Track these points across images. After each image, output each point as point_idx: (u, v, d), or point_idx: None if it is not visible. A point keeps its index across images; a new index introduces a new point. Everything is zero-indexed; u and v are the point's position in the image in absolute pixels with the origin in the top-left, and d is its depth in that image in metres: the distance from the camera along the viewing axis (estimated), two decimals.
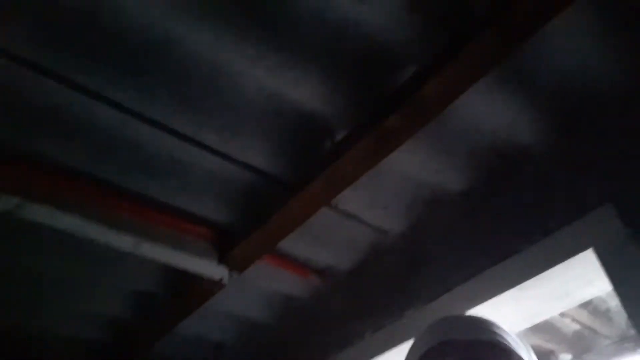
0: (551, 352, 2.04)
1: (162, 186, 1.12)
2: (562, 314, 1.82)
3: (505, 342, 0.64)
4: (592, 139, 0.99)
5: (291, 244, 1.34)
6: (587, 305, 1.78)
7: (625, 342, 1.96)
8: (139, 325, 1.58)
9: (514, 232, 1.02)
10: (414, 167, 1.13)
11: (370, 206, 1.23)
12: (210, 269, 1.23)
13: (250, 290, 1.50)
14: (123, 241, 1.11)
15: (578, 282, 0.94)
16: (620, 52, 0.91)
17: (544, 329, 1.86)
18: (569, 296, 0.98)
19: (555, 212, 0.96)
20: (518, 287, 0.96)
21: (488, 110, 1.02)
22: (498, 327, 0.68)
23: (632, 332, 1.95)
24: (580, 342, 1.98)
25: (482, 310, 0.99)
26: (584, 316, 1.84)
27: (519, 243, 0.99)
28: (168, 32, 0.83)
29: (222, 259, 1.24)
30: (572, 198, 0.95)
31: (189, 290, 1.36)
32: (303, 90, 0.96)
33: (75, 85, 0.90)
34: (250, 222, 1.19)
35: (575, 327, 1.91)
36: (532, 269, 0.94)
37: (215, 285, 1.29)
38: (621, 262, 0.82)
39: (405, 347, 0.75)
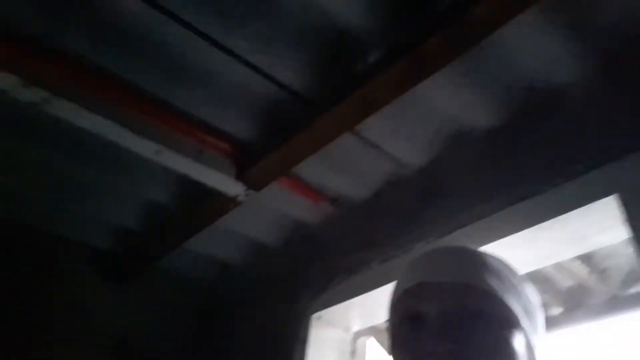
0: (543, 305, 2.11)
1: (188, 94, 1.10)
2: (560, 268, 1.86)
3: (495, 289, 0.54)
4: (632, 85, 0.95)
5: (307, 168, 1.34)
6: (587, 259, 1.82)
7: (616, 302, 2.02)
8: (148, 237, 1.61)
9: (538, 173, 1.01)
10: (443, 99, 1.11)
11: (392, 136, 1.22)
12: (227, 184, 1.24)
13: (262, 212, 1.52)
14: (144, 147, 1.11)
15: (595, 228, 0.94)
16: None
17: (539, 280, 1.91)
18: (584, 241, 0.99)
19: (584, 156, 0.95)
20: (534, 228, 0.96)
21: (529, 45, 0.98)
22: (492, 267, 0.57)
23: (624, 292, 2.00)
24: (572, 297, 2.04)
25: (494, 249, 1.00)
26: (582, 271, 1.89)
27: (541, 184, 0.99)
28: None
29: (239, 176, 1.24)
30: (603, 144, 0.93)
31: (203, 206, 1.38)
32: (343, 3, 0.92)
33: None
34: (272, 141, 1.19)
35: (570, 282, 1.96)
36: (551, 211, 0.94)
37: (230, 202, 1.31)
38: None
39: None
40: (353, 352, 1.38)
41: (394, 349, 0.58)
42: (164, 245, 1.58)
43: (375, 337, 1.46)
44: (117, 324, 1.65)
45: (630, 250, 0.78)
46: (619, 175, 0.87)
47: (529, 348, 0.55)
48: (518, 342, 0.53)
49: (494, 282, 0.55)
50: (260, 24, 0.95)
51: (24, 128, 1.14)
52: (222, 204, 1.33)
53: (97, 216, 1.54)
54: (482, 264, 0.57)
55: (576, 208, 0.90)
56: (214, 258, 1.77)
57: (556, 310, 2.15)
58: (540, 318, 0.60)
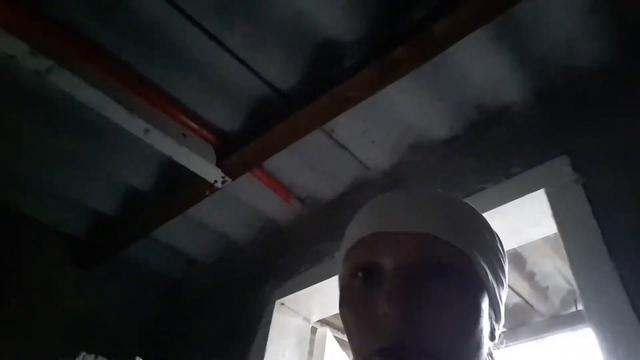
0: None
1: (179, 80, 1.22)
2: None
3: (460, 242, 0.47)
4: (561, 106, 1.14)
5: (282, 165, 1.46)
6: (530, 277, 1.99)
7: (557, 321, 2.18)
8: (120, 223, 1.66)
9: (483, 174, 1.17)
10: (406, 108, 1.27)
11: (360, 139, 1.36)
12: (206, 170, 1.34)
13: (234, 206, 1.62)
14: (135, 125, 1.20)
15: (528, 220, 1.10)
16: (603, 30, 1.05)
17: None
18: (519, 233, 1.14)
19: (520, 160, 1.12)
20: None
21: (480, 66, 1.16)
22: (457, 215, 0.50)
23: (564, 312, 2.17)
24: (517, 315, 2.20)
25: None
26: (525, 289, 2.05)
27: (485, 182, 1.15)
28: None
29: (219, 163, 1.35)
30: (535, 151, 1.11)
31: (179, 192, 1.47)
32: (328, 13, 1.07)
33: None
34: (251, 132, 1.31)
35: (516, 299, 2.11)
36: (492, 203, 1.09)
37: (207, 188, 1.40)
38: (566, 200, 0.98)
39: None
40: (312, 341, 1.47)
41: (342, 308, 0.50)
42: (134, 232, 1.63)
43: (331, 329, 1.55)
44: (81, 307, 1.68)
45: (569, 270, 0.90)
46: (545, 175, 1.04)
47: (496, 307, 0.50)
48: (484, 302, 0.47)
49: (458, 234, 0.48)
50: (255, 23, 1.10)
51: (23, 97, 1.22)
52: (198, 190, 1.42)
53: (75, 198, 1.58)
54: (446, 211, 0.50)
55: (513, 200, 1.06)
56: (182, 252, 1.83)
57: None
58: (505, 267, 0.54)
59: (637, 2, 1.01)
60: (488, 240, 0.51)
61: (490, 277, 0.49)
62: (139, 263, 1.85)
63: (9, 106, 1.26)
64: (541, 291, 2.09)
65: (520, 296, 2.10)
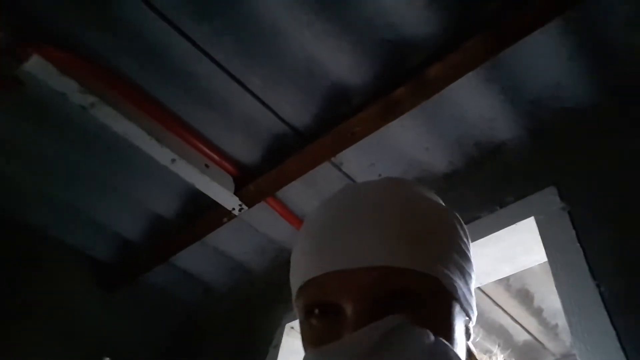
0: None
1: (206, 117, 1.37)
2: (515, 320, 2.04)
3: (423, 263, 0.44)
4: (550, 142, 1.25)
5: (294, 196, 1.57)
6: (538, 314, 2.01)
7: None
8: (143, 249, 1.78)
9: (480, 204, 1.26)
10: (409, 143, 1.38)
11: (367, 171, 1.47)
12: (225, 197, 1.46)
13: (249, 234, 1.73)
14: (163, 154, 1.34)
15: (521, 247, 1.18)
16: (586, 74, 1.17)
17: (499, 331, 2.08)
18: (513, 260, 1.22)
19: (513, 191, 1.21)
20: (476, 243, 1.19)
21: (475, 106, 1.28)
22: (419, 227, 0.46)
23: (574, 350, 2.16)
24: (528, 354, 2.19)
25: None
26: (534, 326, 2.06)
27: (481, 211, 1.24)
28: None
29: (236, 193, 1.47)
30: (526, 183, 1.20)
31: (199, 218, 1.59)
32: (337, 59, 1.22)
33: (163, 16, 1.16)
34: (267, 164, 1.44)
35: (526, 336, 2.12)
36: (487, 230, 1.18)
37: (225, 215, 1.52)
38: (553, 226, 1.06)
39: None
40: None
41: (302, 340, 0.48)
42: (155, 257, 1.74)
43: None
44: (101, 329, 1.77)
45: None
46: (535, 204, 1.13)
47: (467, 307, 0.48)
48: (457, 317, 0.46)
49: (421, 255, 0.44)
50: (273, 67, 1.25)
51: (66, 128, 1.38)
52: (217, 218, 1.54)
53: (103, 223, 1.71)
54: (403, 226, 0.45)
55: (506, 227, 1.15)
56: (199, 280, 1.93)
57: None
58: (469, 252, 0.52)
59: (614, 50, 1.13)
60: (450, 239, 0.48)
61: (460, 286, 0.47)
62: (158, 288, 1.95)
63: (53, 135, 1.41)
64: (550, 329, 2.10)
65: (530, 333, 2.11)
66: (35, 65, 1.15)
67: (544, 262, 1.16)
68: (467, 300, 0.49)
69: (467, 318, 0.50)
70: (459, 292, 0.47)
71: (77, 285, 1.81)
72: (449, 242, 0.48)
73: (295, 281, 0.49)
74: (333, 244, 0.46)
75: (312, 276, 0.45)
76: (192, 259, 1.82)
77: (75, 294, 1.79)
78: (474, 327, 0.53)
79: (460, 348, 0.45)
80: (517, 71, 1.20)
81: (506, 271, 1.26)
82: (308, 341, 0.47)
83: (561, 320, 2.10)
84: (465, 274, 0.49)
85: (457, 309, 0.46)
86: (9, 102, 1.34)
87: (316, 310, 0.45)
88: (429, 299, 0.44)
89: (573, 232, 1.02)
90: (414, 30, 1.15)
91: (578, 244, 0.99)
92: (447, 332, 0.44)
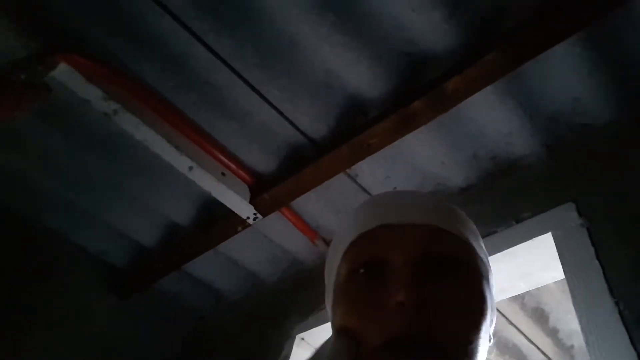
0: None
1: (224, 126, 1.39)
2: (529, 340, 2.00)
3: (466, 236, 0.50)
4: (569, 158, 1.24)
5: (309, 207, 1.58)
6: (553, 334, 1.97)
7: None
8: (157, 256, 1.79)
9: (495, 218, 1.25)
10: (425, 156, 1.38)
11: (383, 184, 1.47)
12: (241, 206, 1.47)
13: (263, 244, 1.73)
14: (181, 162, 1.36)
15: (537, 264, 1.16)
16: (605, 90, 1.16)
17: (512, 351, 2.03)
18: (529, 277, 1.20)
19: (530, 206, 1.20)
20: (491, 258, 1.17)
21: (492, 120, 1.28)
22: (459, 213, 0.53)
23: None
24: None
25: None
26: (549, 347, 2.02)
27: (497, 226, 1.23)
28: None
29: (252, 201, 1.48)
30: (544, 198, 1.19)
31: (214, 227, 1.60)
32: (355, 71, 1.23)
33: (185, 25, 1.19)
34: (283, 174, 1.45)
35: (540, 357, 2.07)
36: (503, 245, 1.17)
37: (240, 224, 1.53)
38: (571, 243, 1.05)
39: None
40: None
41: (338, 305, 0.48)
42: (169, 264, 1.76)
43: None
44: (113, 334, 1.78)
45: None
46: (552, 220, 1.12)
47: (493, 304, 0.50)
48: (489, 293, 0.48)
49: (459, 226, 0.50)
50: (291, 79, 1.27)
51: (89, 135, 1.42)
52: (231, 226, 1.55)
53: (119, 229, 1.74)
54: (443, 206, 0.52)
55: (522, 242, 1.14)
56: (212, 288, 1.93)
57: None
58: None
59: (634, 65, 1.12)
60: (477, 232, 0.55)
61: (488, 266, 0.52)
62: (171, 296, 1.95)
63: (74, 141, 1.45)
64: (566, 350, 2.05)
65: (544, 354, 2.07)
66: (63, 72, 1.19)
67: (561, 280, 1.14)
68: (492, 292, 0.51)
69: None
70: (490, 274, 0.51)
71: (91, 291, 1.82)
72: (478, 234, 0.56)
73: (343, 240, 0.52)
74: (385, 203, 0.51)
75: (365, 229, 0.49)
76: (205, 267, 1.83)
77: (88, 300, 1.80)
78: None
79: (486, 335, 0.46)
80: (536, 86, 1.20)
81: (522, 288, 1.24)
82: (346, 297, 0.48)
83: (577, 342, 2.05)
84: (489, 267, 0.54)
85: (489, 290, 0.49)
86: (35, 108, 1.37)
87: (362, 270, 0.47)
88: (468, 268, 0.47)
89: (592, 249, 1.01)
90: (432, 44, 1.16)
91: (597, 261, 0.97)
92: (481, 307, 0.46)
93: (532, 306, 1.88)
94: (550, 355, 2.06)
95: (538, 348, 2.04)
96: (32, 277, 1.70)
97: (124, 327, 1.83)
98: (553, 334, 1.98)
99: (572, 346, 2.04)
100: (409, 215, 0.49)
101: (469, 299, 0.45)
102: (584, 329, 0.91)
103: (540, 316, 1.92)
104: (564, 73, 1.16)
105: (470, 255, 0.49)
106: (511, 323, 1.92)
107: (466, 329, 0.43)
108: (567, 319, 1.94)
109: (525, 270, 1.19)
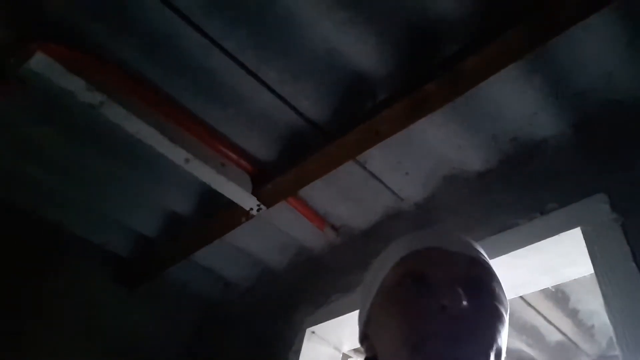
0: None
1: (219, 113, 1.28)
2: (548, 321, 1.93)
3: (494, 270, 0.59)
4: (600, 141, 1.11)
5: (316, 194, 1.49)
6: (573, 315, 1.89)
7: None
8: (163, 245, 1.74)
9: (517, 209, 1.15)
10: (440, 140, 1.27)
11: (393, 170, 1.37)
12: (243, 198, 1.39)
13: (270, 233, 1.66)
14: (176, 154, 1.27)
15: (565, 259, 1.07)
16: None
17: (530, 332, 1.97)
18: (555, 272, 1.11)
19: (556, 196, 1.09)
20: (512, 254, 1.08)
21: (514, 100, 1.16)
22: (486, 256, 0.61)
23: (612, 352, 2.04)
24: (561, 353, 2.09)
25: None
26: (569, 327, 1.95)
27: (520, 218, 1.12)
28: None
29: (254, 192, 1.39)
30: (572, 187, 1.08)
31: (218, 218, 1.52)
32: (360, 50, 1.11)
33: (171, 5, 1.07)
34: (286, 163, 1.35)
35: (559, 337, 2.01)
36: (527, 240, 1.07)
37: (243, 216, 1.45)
38: (603, 240, 0.95)
39: None
40: None
41: (389, 308, 0.56)
42: (175, 254, 1.70)
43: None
44: (122, 324, 1.75)
45: None
46: (581, 212, 1.01)
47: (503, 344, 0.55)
48: (506, 326, 0.55)
49: (489, 261, 0.60)
50: (290, 59, 1.15)
51: (77, 128, 1.33)
52: (235, 217, 1.47)
53: (120, 220, 1.67)
54: (477, 246, 0.61)
55: (547, 237, 1.04)
56: (220, 275, 1.88)
57: None
58: None
59: None
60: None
61: (507, 313, 0.56)
62: (179, 284, 1.91)
63: (64, 136, 1.36)
64: (586, 329, 1.98)
65: (564, 334, 2.00)
66: (39, 63, 1.08)
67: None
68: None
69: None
70: (508, 312, 0.57)
71: (97, 282, 1.78)
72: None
73: (395, 254, 0.60)
74: (435, 233, 0.61)
75: (417, 248, 0.58)
76: (212, 256, 1.77)
77: (95, 291, 1.76)
78: None
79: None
80: (564, 61, 1.07)
81: (546, 283, 1.15)
82: (395, 302, 0.56)
83: (597, 321, 1.97)
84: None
85: (506, 324, 0.55)
86: (19, 101, 1.28)
87: (410, 279, 0.55)
88: (497, 296, 0.55)
89: (627, 248, 0.91)
90: (448, 16, 1.03)
91: (633, 264, 0.87)
92: (501, 333, 0.53)
93: (553, 289, 1.80)
94: (570, 335, 1.99)
95: (557, 328, 1.97)
96: (37, 271, 1.66)
97: (132, 316, 1.80)
98: (573, 314, 1.90)
99: (592, 326, 1.97)
100: (453, 244, 0.58)
101: (495, 319, 0.53)
102: (618, 339, 0.83)
103: (560, 298, 1.84)
104: (599, 44, 1.03)
105: (497, 284, 0.57)
106: (530, 305, 1.85)
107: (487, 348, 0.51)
108: (587, 299, 1.86)
109: (551, 265, 1.09)
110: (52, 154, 1.43)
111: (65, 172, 1.51)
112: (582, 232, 0.99)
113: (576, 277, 1.12)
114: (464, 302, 0.50)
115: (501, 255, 1.09)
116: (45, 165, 1.47)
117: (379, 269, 0.61)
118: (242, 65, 1.17)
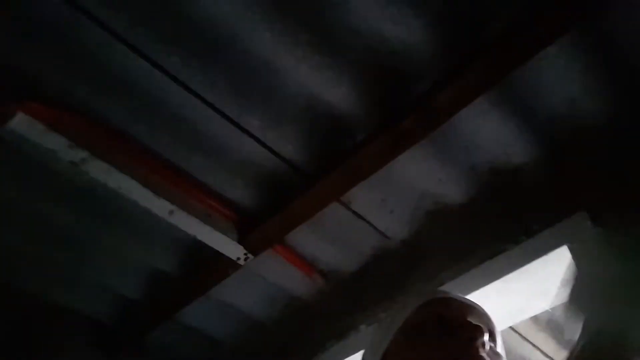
0: None
1: (201, 163, 1.29)
2: (545, 354, 1.90)
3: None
4: (573, 163, 1.17)
5: (302, 239, 1.48)
6: (569, 345, 1.86)
7: None
8: (144, 307, 1.67)
9: (503, 235, 1.17)
10: (420, 176, 1.30)
11: (378, 209, 1.38)
12: (230, 247, 1.36)
13: (256, 284, 1.61)
14: (160, 207, 1.26)
15: (555, 280, 1.08)
16: (602, 88, 1.10)
17: None
18: (548, 294, 1.11)
19: (539, 218, 1.12)
20: (503, 279, 1.09)
21: (487, 130, 1.21)
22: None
23: None
24: None
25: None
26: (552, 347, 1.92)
27: (506, 243, 1.14)
28: (234, 26, 1.05)
29: (240, 240, 1.38)
30: (553, 208, 1.11)
31: (203, 271, 1.49)
32: (335, 92, 1.16)
33: (151, 60, 1.10)
34: (271, 209, 1.35)
35: None
36: (515, 264, 1.08)
37: (230, 266, 1.42)
38: (589, 255, 0.96)
39: None
40: None
41: (416, 347, 0.69)
42: (159, 315, 1.63)
43: None
44: None
45: None
46: (566, 231, 1.04)
47: None
48: None
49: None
50: (270, 106, 1.18)
51: (57, 186, 1.30)
52: (221, 269, 1.44)
53: (100, 284, 1.61)
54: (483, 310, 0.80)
55: (536, 259, 1.05)
56: (206, 334, 1.80)
57: None
58: None
59: (629, 61, 1.06)
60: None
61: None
62: (163, 348, 1.81)
63: (44, 195, 1.33)
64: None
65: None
66: (20, 122, 1.09)
67: None
68: None
69: None
70: None
71: (78, 352, 1.69)
72: None
73: (412, 301, 0.77)
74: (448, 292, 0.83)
75: (433, 297, 0.77)
76: (197, 314, 1.70)
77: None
78: None
79: None
80: (529, 90, 1.13)
81: (542, 307, 1.15)
82: (423, 340, 0.69)
83: None
84: None
85: None
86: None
87: (429, 323, 0.70)
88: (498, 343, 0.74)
89: (612, 255, 0.92)
90: (416, 56, 1.09)
91: (619, 268, 0.89)
92: None
93: (546, 318, 1.79)
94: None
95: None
96: (16, 343, 1.56)
97: None
98: (569, 345, 1.88)
99: None
100: (465, 297, 0.80)
101: None
102: None
103: (554, 328, 1.82)
104: (558, 72, 1.10)
105: (498, 334, 0.77)
106: (526, 339, 1.83)
107: None
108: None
109: (543, 287, 1.10)
110: (30, 217, 1.39)
111: (43, 235, 1.46)
112: (570, 250, 1.00)
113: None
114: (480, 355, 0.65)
115: (493, 281, 1.10)
116: (22, 229, 1.43)
117: (396, 313, 0.77)
118: (223, 115, 1.19)
